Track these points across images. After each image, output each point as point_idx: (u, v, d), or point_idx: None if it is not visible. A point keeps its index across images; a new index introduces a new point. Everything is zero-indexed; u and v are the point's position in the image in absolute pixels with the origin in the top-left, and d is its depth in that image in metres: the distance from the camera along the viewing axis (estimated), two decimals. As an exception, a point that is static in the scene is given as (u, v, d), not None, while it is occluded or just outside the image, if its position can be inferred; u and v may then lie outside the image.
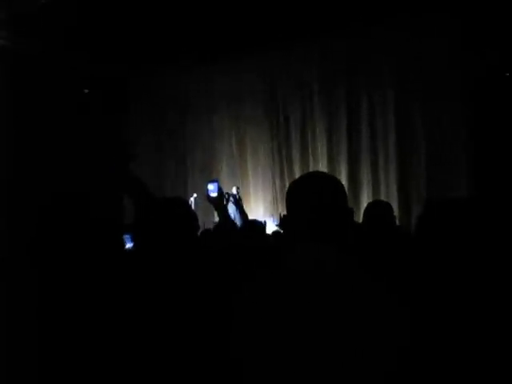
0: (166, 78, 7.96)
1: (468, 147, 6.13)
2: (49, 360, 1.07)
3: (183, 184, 8.40)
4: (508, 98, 5.63)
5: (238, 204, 6.57)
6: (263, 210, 7.75)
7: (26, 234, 1.23)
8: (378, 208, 2.25)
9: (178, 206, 1.37)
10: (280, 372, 0.82)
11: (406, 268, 1.23)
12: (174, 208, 1.35)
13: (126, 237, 2.38)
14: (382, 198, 6.39)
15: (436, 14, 6.09)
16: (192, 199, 7.16)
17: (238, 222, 4.21)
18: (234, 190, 7.06)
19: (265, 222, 5.79)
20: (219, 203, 2.00)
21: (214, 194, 1.99)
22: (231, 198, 6.43)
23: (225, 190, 7.21)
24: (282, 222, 3.71)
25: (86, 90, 7.20)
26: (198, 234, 1.84)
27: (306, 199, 0.92)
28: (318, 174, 1.01)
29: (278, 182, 7.73)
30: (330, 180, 0.96)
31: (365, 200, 6.77)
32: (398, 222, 5.09)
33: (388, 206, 2.29)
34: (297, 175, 6.70)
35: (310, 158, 7.50)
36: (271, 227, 6.46)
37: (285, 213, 0.99)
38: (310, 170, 7.15)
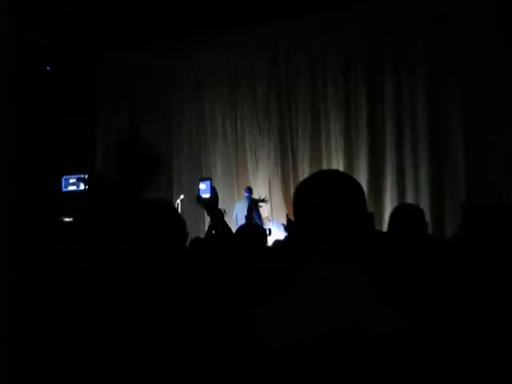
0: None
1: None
2: (48, 364, 1.19)
3: (166, 183, 8.36)
4: None
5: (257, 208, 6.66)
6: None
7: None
8: (405, 213, 2.24)
9: (163, 209, 1.36)
10: None
11: (453, 295, 1.19)
12: (157, 213, 1.34)
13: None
14: (409, 201, 6.38)
15: None
16: (178, 201, 7.16)
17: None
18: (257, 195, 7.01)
19: (269, 230, 5.80)
20: (212, 206, 1.98)
21: (206, 195, 1.97)
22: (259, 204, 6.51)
23: (222, 186, 7.21)
24: (288, 228, 3.73)
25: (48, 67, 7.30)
26: (187, 243, 1.83)
27: (317, 204, 0.91)
28: (331, 173, 1.00)
29: (279, 181, 7.66)
30: (345, 179, 0.95)
31: (388, 204, 6.78)
32: (430, 231, 5.07)
33: (419, 210, 2.28)
34: (306, 174, 6.70)
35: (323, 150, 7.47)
36: (270, 227, 6.49)
37: (291, 216, 0.98)
38: (323, 167, 7.14)
